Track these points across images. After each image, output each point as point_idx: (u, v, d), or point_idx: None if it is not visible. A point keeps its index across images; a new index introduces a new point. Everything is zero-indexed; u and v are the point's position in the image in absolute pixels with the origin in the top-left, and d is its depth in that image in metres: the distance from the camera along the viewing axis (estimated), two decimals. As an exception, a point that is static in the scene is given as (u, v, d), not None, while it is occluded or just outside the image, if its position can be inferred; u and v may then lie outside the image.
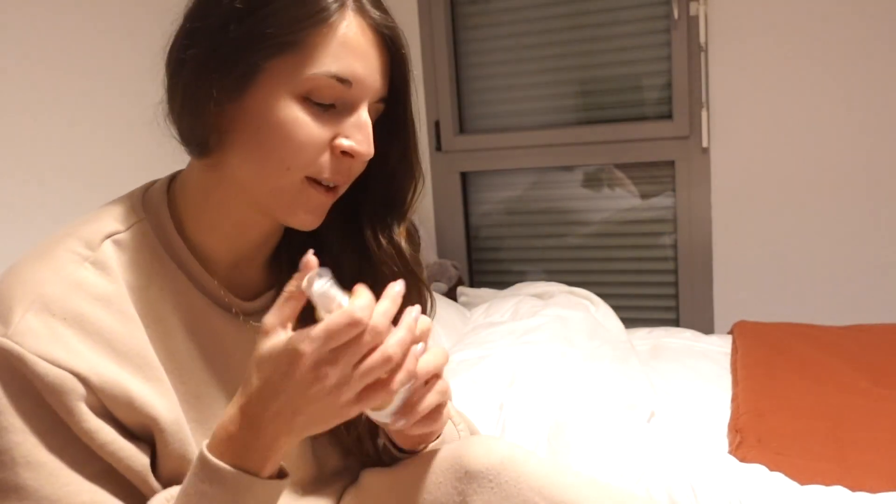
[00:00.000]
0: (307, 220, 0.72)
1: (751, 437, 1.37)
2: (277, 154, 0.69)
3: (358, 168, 0.73)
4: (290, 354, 0.59)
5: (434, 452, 0.77)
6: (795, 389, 1.56)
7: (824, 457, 1.30)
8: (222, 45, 0.67)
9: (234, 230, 0.75)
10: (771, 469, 1.19)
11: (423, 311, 0.78)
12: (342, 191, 0.74)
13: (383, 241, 0.81)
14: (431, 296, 0.86)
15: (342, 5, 0.68)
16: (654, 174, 2.45)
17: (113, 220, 0.72)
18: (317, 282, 0.60)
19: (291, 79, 0.67)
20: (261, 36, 0.66)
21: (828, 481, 1.17)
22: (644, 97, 2.42)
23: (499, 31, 2.55)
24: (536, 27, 2.49)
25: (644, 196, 2.49)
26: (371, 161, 0.74)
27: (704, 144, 2.30)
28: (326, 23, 0.67)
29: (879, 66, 2.13)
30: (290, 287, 0.61)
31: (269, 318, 0.61)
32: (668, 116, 2.37)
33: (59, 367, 0.62)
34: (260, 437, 0.61)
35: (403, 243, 0.84)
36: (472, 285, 2.63)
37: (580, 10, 2.44)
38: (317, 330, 0.58)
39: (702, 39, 2.24)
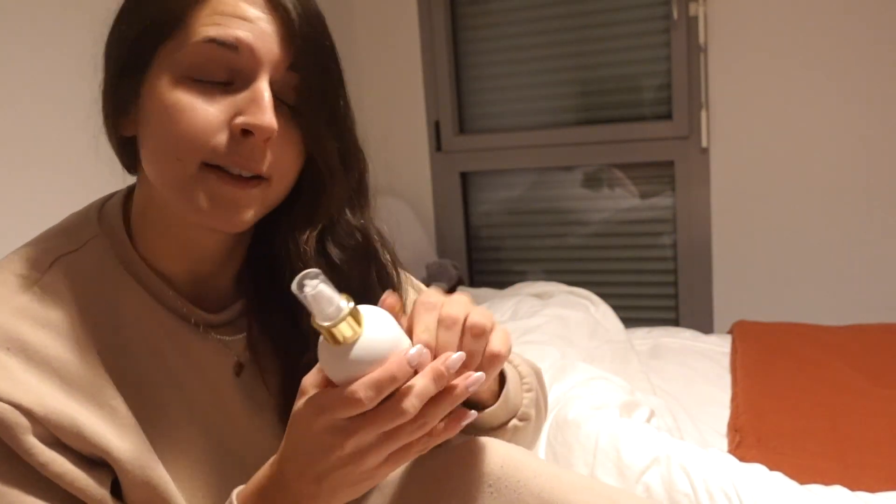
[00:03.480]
0: (218, 214, 0.64)
1: (750, 436, 1.37)
2: (165, 143, 0.63)
3: (262, 149, 0.63)
4: (306, 418, 0.56)
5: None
6: (795, 389, 1.56)
7: (824, 456, 1.30)
8: (121, 47, 0.65)
9: (185, 250, 0.70)
10: (771, 468, 1.19)
11: (393, 288, 0.76)
12: (276, 188, 0.66)
13: (353, 232, 0.74)
14: (398, 272, 0.78)
15: None
16: (654, 174, 2.46)
17: (65, 239, 0.68)
18: (307, 283, 0.53)
19: (174, 59, 0.63)
20: (146, 25, 0.63)
21: (827, 481, 1.17)
22: (643, 97, 2.42)
23: (499, 31, 2.55)
24: (536, 27, 2.49)
25: (643, 196, 2.49)
26: (313, 152, 0.68)
27: (704, 144, 2.30)
28: None
29: (878, 66, 2.13)
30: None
31: (307, 378, 0.58)
32: (668, 116, 2.37)
33: (1, 400, 0.59)
34: (286, 496, 0.59)
35: (373, 228, 0.76)
36: (472, 285, 2.63)
37: (580, 11, 2.44)
38: (329, 397, 0.55)
39: (701, 40, 2.24)
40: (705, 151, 2.32)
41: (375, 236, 0.77)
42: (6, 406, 0.59)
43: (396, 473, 0.76)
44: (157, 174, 0.65)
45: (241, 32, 0.62)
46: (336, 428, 0.55)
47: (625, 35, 2.40)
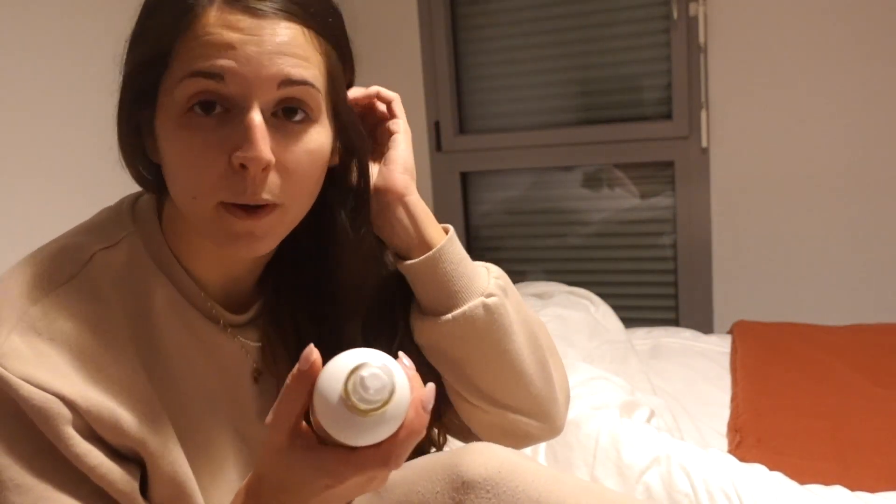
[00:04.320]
0: (240, 248, 0.65)
1: (751, 436, 1.37)
2: (181, 184, 0.65)
3: (262, 177, 0.63)
4: (326, 478, 0.55)
5: (430, 461, 0.75)
6: (795, 389, 1.56)
7: (824, 456, 1.30)
8: (129, 79, 0.66)
9: (217, 260, 0.72)
10: (771, 468, 1.19)
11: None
12: (291, 209, 0.67)
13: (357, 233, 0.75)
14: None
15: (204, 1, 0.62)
16: (654, 174, 2.46)
17: (100, 235, 0.69)
18: (371, 372, 0.50)
19: (172, 97, 0.63)
20: (143, 60, 0.64)
21: (827, 481, 1.17)
22: (643, 97, 2.42)
23: (499, 31, 2.55)
24: (536, 27, 2.49)
25: (644, 196, 2.49)
26: (351, 138, 0.71)
27: (704, 144, 2.30)
28: (191, 24, 0.62)
29: (878, 65, 2.13)
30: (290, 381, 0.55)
31: (273, 419, 0.56)
32: (668, 116, 2.37)
33: (45, 390, 0.59)
34: None
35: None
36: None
37: (580, 11, 2.44)
38: (401, 448, 0.54)
39: (701, 40, 2.24)
40: (705, 151, 2.32)
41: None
42: (49, 396, 0.59)
43: (393, 476, 0.76)
44: (180, 205, 0.67)
45: (224, 61, 0.61)
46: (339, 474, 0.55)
47: (625, 35, 2.40)
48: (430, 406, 0.56)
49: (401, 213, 0.77)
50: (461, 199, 2.67)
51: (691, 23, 2.26)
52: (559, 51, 2.49)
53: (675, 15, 2.26)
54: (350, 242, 0.75)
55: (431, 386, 0.57)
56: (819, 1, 2.15)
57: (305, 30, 0.64)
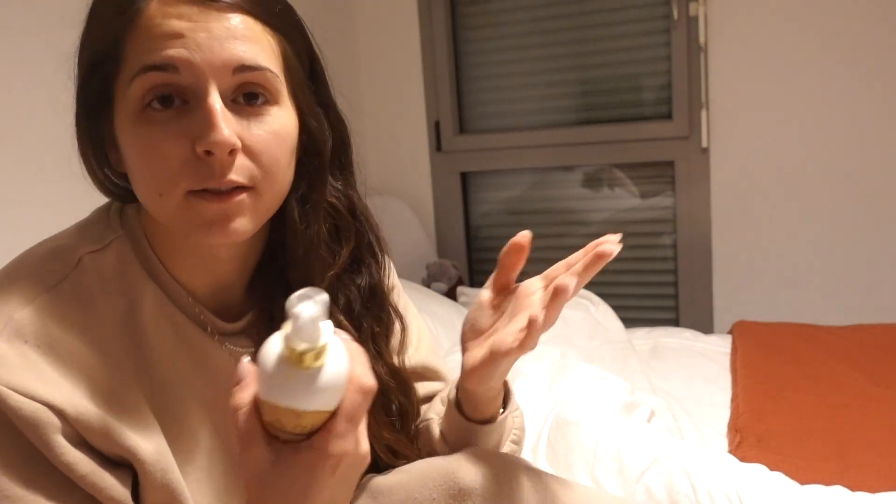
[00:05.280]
0: (214, 234, 0.63)
1: (751, 436, 1.37)
2: (145, 181, 0.63)
3: (229, 161, 0.61)
4: (331, 464, 0.54)
5: (427, 467, 0.74)
6: (795, 389, 1.56)
7: (824, 457, 1.30)
8: (82, 85, 0.64)
9: (201, 261, 0.71)
10: (771, 469, 1.19)
11: (379, 269, 0.78)
12: (265, 193, 0.65)
13: (335, 201, 0.74)
14: (383, 252, 0.80)
15: None
16: (654, 174, 2.46)
17: (88, 237, 0.68)
18: (305, 304, 0.50)
19: (126, 95, 0.61)
20: (93, 62, 0.62)
21: (828, 481, 1.17)
22: (644, 97, 2.42)
23: (499, 31, 2.55)
24: (536, 27, 2.49)
25: (644, 196, 2.49)
26: (310, 126, 0.69)
27: (704, 144, 2.30)
28: (134, 20, 0.61)
29: (879, 65, 2.13)
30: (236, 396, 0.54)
31: (245, 430, 0.53)
32: (668, 116, 2.37)
33: (33, 399, 0.58)
34: None
35: (355, 197, 0.77)
36: (472, 285, 2.63)
37: (580, 10, 2.44)
38: (342, 426, 0.53)
39: (701, 39, 2.24)
40: (705, 151, 2.32)
41: (361, 211, 0.77)
42: (38, 405, 0.58)
43: (388, 482, 0.76)
44: (148, 208, 0.65)
45: (174, 51, 0.60)
46: (347, 444, 0.54)
47: (625, 35, 2.40)
48: (367, 381, 0.55)
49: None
50: (461, 199, 2.67)
51: (691, 23, 2.26)
52: (559, 51, 2.49)
53: (675, 15, 2.26)
54: (299, 233, 0.72)
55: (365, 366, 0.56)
56: (819, 1, 2.15)
57: (252, 17, 0.64)
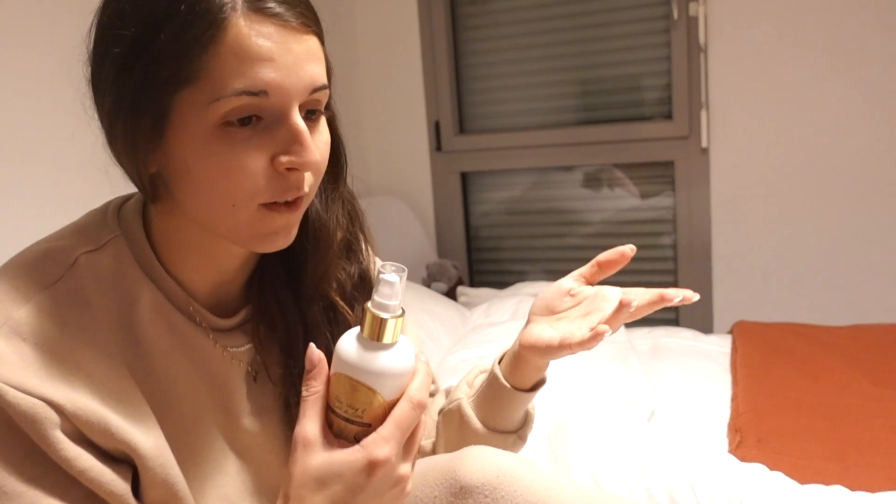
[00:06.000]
0: (277, 242, 0.68)
1: (751, 436, 1.37)
2: (218, 194, 0.63)
3: (312, 177, 0.66)
4: (368, 466, 0.58)
5: (428, 466, 0.75)
6: (795, 389, 1.56)
7: (824, 457, 1.30)
8: (125, 89, 0.62)
9: (210, 263, 0.72)
10: (771, 469, 1.19)
11: (367, 257, 0.81)
12: (310, 198, 0.69)
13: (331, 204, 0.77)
14: (367, 240, 0.82)
15: (231, 8, 0.59)
16: (654, 174, 2.46)
17: (85, 237, 0.68)
18: (391, 274, 0.58)
19: (204, 109, 0.61)
20: (158, 71, 0.60)
21: (828, 481, 1.17)
22: (644, 97, 2.42)
23: (499, 31, 2.55)
24: (536, 27, 2.49)
25: (644, 196, 2.49)
26: (334, 125, 0.72)
27: (704, 144, 2.30)
28: (218, 37, 0.59)
29: (879, 65, 2.13)
30: (308, 390, 0.60)
31: (309, 429, 0.59)
32: (668, 116, 2.37)
33: (31, 395, 0.59)
34: None
35: (347, 195, 0.79)
36: (472, 285, 2.63)
37: (580, 11, 2.44)
38: (389, 429, 0.58)
39: (701, 40, 2.24)
40: (705, 151, 2.32)
41: (348, 199, 0.79)
42: (36, 401, 0.59)
43: None
44: (208, 217, 0.66)
45: (267, 74, 0.60)
46: (398, 458, 0.60)
47: (625, 35, 2.40)
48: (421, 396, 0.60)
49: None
50: (461, 199, 2.67)
51: (691, 23, 2.26)
52: (559, 51, 2.49)
53: (675, 15, 2.26)
54: (322, 227, 0.75)
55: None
56: (819, 1, 2.15)
57: (317, 38, 0.65)
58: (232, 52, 0.60)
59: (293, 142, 0.63)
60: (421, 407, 0.59)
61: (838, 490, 1.14)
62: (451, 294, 2.37)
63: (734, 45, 2.24)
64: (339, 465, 0.58)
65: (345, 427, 0.59)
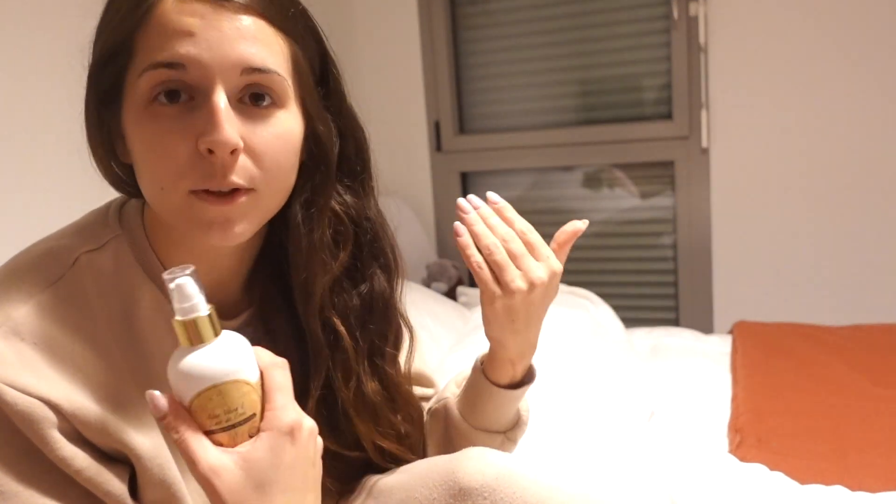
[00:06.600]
0: (213, 236, 0.64)
1: (751, 437, 1.37)
2: (148, 176, 0.63)
3: (231, 161, 0.62)
4: (289, 434, 0.57)
5: (427, 467, 0.75)
6: (795, 389, 1.56)
7: (824, 457, 1.30)
8: (92, 78, 0.65)
9: (199, 259, 0.68)
10: (771, 469, 1.19)
11: (396, 274, 0.81)
12: (265, 195, 0.65)
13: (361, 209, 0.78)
14: (397, 264, 0.82)
15: None
16: (654, 174, 2.46)
17: (85, 237, 0.68)
18: (179, 277, 0.55)
19: (134, 86, 0.62)
20: (111, 52, 0.63)
21: (828, 481, 1.17)
22: (644, 97, 2.42)
23: (499, 31, 2.55)
24: (536, 27, 2.49)
25: (644, 196, 2.49)
26: (317, 131, 0.69)
27: (704, 144, 2.30)
28: (149, 14, 0.61)
29: (879, 65, 2.13)
30: (179, 433, 0.57)
31: (207, 461, 0.55)
32: (668, 116, 2.37)
33: (29, 394, 0.59)
34: None
35: (367, 205, 0.80)
36: (472, 285, 2.63)
37: (580, 11, 2.44)
38: (278, 399, 0.58)
39: (701, 40, 2.24)
40: (705, 151, 2.32)
41: (374, 219, 0.80)
42: (34, 400, 0.59)
43: (389, 482, 0.76)
44: (150, 202, 0.66)
45: (184, 49, 0.60)
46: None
47: (625, 35, 2.40)
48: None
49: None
50: (461, 199, 2.66)
51: (691, 23, 2.26)
52: (559, 51, 2.49)
53: (675, 15, 2.26)
54: (302, 238, 0.73)
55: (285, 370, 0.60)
56: (819, 1, 2.15)
57: (264, 20, 0.64)
58: (156, 29, 0.61)
59: (207, 121, 0.60)
60: (284, 364, 0.59)
61: (838, 490, 1.14)
62: (451, 294, 2.37)
63: (734, 45, 2.24)
64: (261, 458, 0.56)
65: (236, 434, 0.57)
